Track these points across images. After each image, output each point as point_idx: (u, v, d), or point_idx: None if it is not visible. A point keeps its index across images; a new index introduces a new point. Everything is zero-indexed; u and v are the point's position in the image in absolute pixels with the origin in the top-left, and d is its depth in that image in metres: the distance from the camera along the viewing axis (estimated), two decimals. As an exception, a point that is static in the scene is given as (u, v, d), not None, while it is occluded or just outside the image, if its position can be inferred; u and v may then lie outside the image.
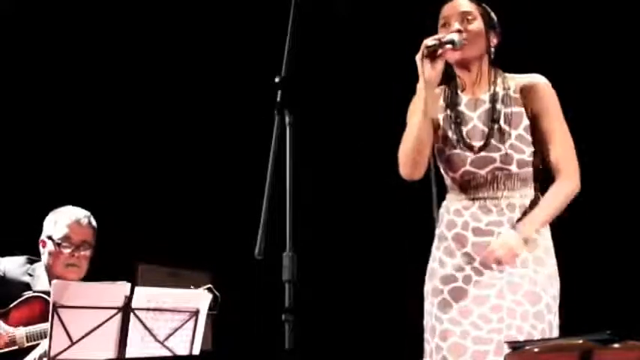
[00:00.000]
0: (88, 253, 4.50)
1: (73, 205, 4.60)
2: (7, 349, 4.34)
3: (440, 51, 3.53)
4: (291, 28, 3.12)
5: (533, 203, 3.57)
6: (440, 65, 3.55)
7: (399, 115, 3.82)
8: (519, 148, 3.57)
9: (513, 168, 3.57)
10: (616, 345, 2.89)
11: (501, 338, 3.45)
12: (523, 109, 3.59)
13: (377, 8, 5.79)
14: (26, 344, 4.33)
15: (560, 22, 5.50)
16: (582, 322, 3.45)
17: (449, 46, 3.54)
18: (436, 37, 3.56)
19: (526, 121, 3.58)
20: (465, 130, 3.62)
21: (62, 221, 4.50)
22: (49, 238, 4.50)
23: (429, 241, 3.86)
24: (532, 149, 3.59)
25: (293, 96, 3.08)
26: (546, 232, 3.59)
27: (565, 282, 3.62)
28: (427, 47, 3.51)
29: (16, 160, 5.86)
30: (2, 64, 5.81)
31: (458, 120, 3.63)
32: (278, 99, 3.08)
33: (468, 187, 3.62)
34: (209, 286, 4.41)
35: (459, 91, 3.68)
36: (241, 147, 5.95)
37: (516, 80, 3.64)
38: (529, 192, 3.58)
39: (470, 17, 3.63)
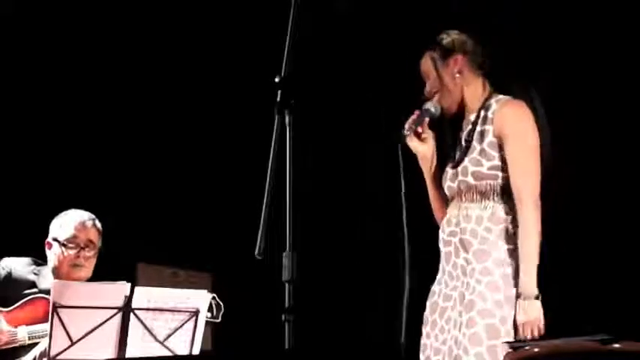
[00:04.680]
0: (93, 253, 4.56)
1: (76, 205, 4.65)
2: (8, 347, 4.37)
3: (419, 128, 3.76)
4: (291, 27, 3.13)
5: (493, 215, 3.66)
6: (427, 136, 3.79)
7: (400, 115, 3.84)
8: (478, 162, 3.68)
9: (470, 180, 3.69)
10: (616, 345, 2.90)
11: (445, 349, 3.63)
12: (491, 127, 3.69)
13: (377, 7, 5.79)
14: (28, 342, 4.37)
15: (560, 22, 5.50)
16: (581, 322, 3.45)
17: (427, 119, 3.76)
18: (409, 121, 3.76)
19: (491, 138, 3.69)
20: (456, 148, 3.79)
21: (68, 223, 4.56)
22: (55, 239, 4.56)
23: (428, 241, 3.89)
24: (494, 163, 3.67)
25: (293, 96, 3.08)
26: (500, 243, 3.63)
27: (565, 282, 3.63)
28: (405, 135, 3.75)
29: (18, 163, 5.85)
30: (2, 65, 5.81)
31: (456, 142, 3.80)
32: (278, 99, 3.08)
33: (449, 200, 3.80)
34: (213, 295, 4.44)
35: (465, 115, 3.82)
36: (241, 147, 5.95)
37: (497, 101, 3.74)
38: (489, 204, 3.68)
39: (426, 77, 3.82)
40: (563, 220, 3.93)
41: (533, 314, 3.50)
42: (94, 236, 4.57)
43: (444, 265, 3.75)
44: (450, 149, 3.81)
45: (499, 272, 3.58)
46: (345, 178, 6.12)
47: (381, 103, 5.31)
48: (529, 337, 3.49)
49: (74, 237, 4.53)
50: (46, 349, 3.91)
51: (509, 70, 3.79)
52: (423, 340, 3.74)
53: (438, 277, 3.79)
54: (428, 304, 3.76)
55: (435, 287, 3.77)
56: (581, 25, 5.37)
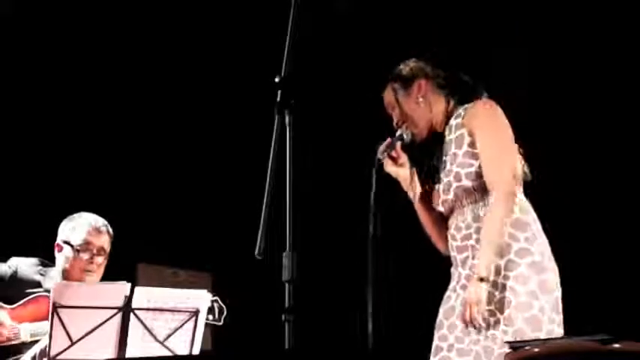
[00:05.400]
0: (104, 258, 4.56)
1: (77, 205, 4.65)
2: (9, 343, 4.38)
3: (393, 152, 3.83)
4: (291, 27, 3.13)
5: None
6: (402, 159, 3.85)
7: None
8: (466, 164, 3.70)
9: (465, 182, 3.71)
10: (616, 345, 2.90)
11: (479, 349, 3.60)
12: (465, 130, 3.74)
13: (377, 7, 5.79)
14: (30, 340, 4.38)
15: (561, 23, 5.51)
16: (581, 322, 3.45)
17: (398, 142, 3.83)
18: (381, 148, 3.86)
19: (468, 138, 3.73)
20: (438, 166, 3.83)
21: (81, 228, 4.54)
22: (67, 243, 4.54)
23: (428, 241, 3.89)
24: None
25: (293, 96, 3.08)
26: (518, 234, 3.63)
27: (565, 282, 3.63)
28: (379, 160, 3.84)
29: (18, 164, 5.85)
30: (5, 65, 5.81)
31: (432, 161, 3.87)
32: (278, 99, 3.08)
33: (447, 212, 3.79)
34: (215, 298, 4.44)
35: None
36: (241, 147, 5.95)
37: (464, 109, 3.78)
38: (492, 200, 3.66)
39: (391, 108, 3.91)
40: (564, 220, 3.93)
41: (473, 294, 3.52)
42: (107, 243, 4.57)
43: (460, 271, 3.73)
44: (428, 169, 3.85)
45: (525, 262, 3.58)
46: (345, 178, 6.12)
47: (380, 104, 5.31)
48: (465, 318, 3.54)
49: (87, 243, 4.52)
50: (46, 347, 3.91)
51: (473, 84, 3.85)
52: (436, 343, 3.73)
53: (451, 285, 3.78)
54: (441, 310, 3.76)
55: (449, 293, 3.77)
56: (579, 27, 5.38)
